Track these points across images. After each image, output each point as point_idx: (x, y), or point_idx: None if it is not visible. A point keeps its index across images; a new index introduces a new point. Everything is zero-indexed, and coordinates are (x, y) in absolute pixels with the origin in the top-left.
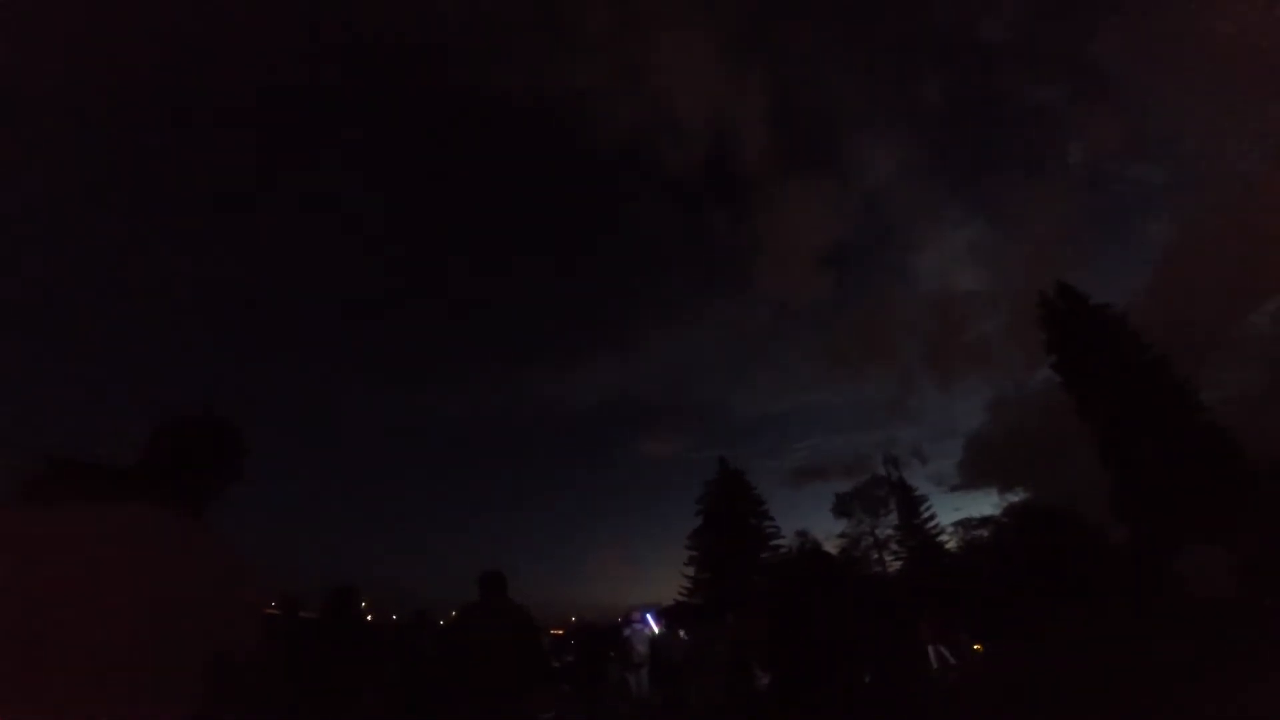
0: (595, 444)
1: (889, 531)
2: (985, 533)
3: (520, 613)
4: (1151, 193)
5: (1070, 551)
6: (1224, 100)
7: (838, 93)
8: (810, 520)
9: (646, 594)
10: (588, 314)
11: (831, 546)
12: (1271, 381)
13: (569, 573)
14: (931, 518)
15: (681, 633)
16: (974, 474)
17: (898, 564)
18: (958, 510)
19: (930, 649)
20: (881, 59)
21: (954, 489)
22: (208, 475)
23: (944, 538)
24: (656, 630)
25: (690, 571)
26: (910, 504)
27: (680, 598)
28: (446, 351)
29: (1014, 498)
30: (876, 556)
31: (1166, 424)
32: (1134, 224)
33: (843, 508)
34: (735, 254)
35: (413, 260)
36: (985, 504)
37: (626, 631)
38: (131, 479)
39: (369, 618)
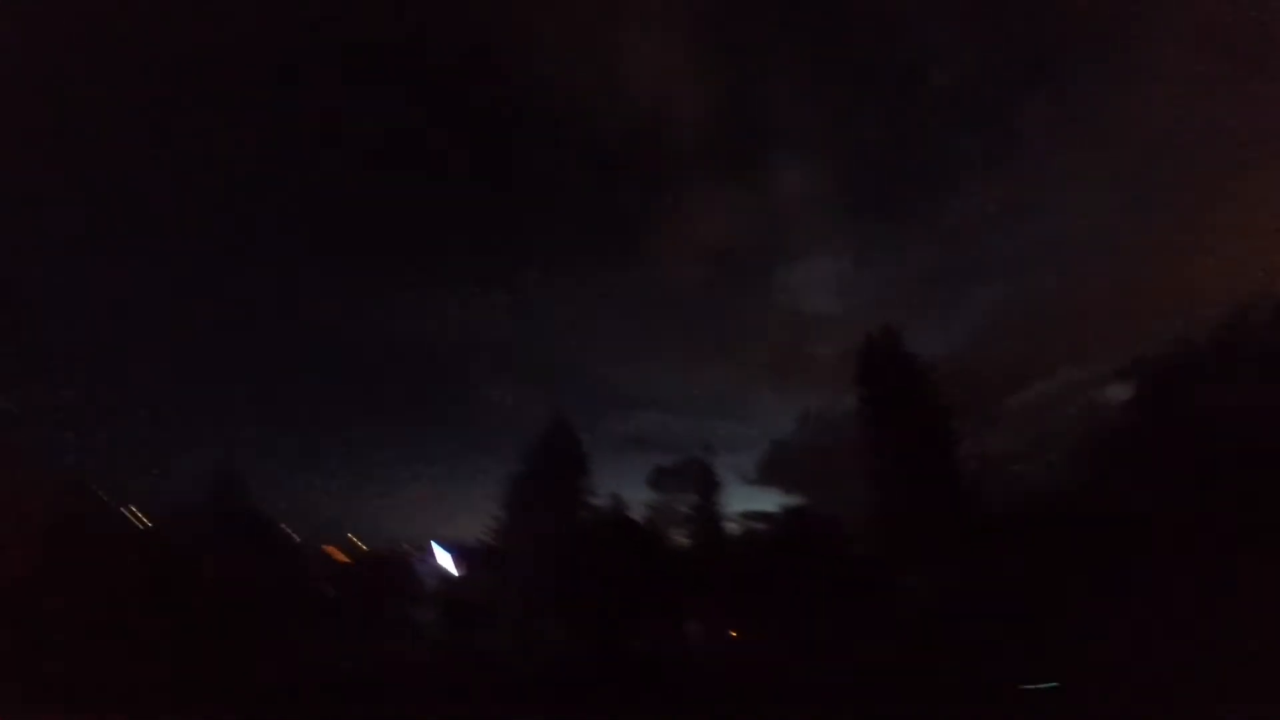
0: (443, 379)
1: (687, 510)
2: (763, 526)
3: (256, 518)
4: (1014, 256)
5: (824, 555)
6: (1118, 179)
7: (777, 105)
8: (627, 487)
9: (457, 532)
10: (471, 248)
11: (639, 516)
12: (1026, 449)
13: (386, 503)
14: (726, 505)
15: (475, 572)
16: (771, 474)
17: (688, 542)
18: (748, 503)
19: (697, 626)
20: (830, 84)
21: (751, 483)
22: None
23: (731, 525)
24: (453, 569)
25: (501, 514)
26: (711, 488)
27: (485, 539)
28: (318, 254)
29: (795, 501)
30: (675, 532)
31: (930, 466)
32: (987, 283)
33: (656, 481)
34: (635, 230)
35: (292, 165)
36: (771, 502)
37: (418, 565)
38: None
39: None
